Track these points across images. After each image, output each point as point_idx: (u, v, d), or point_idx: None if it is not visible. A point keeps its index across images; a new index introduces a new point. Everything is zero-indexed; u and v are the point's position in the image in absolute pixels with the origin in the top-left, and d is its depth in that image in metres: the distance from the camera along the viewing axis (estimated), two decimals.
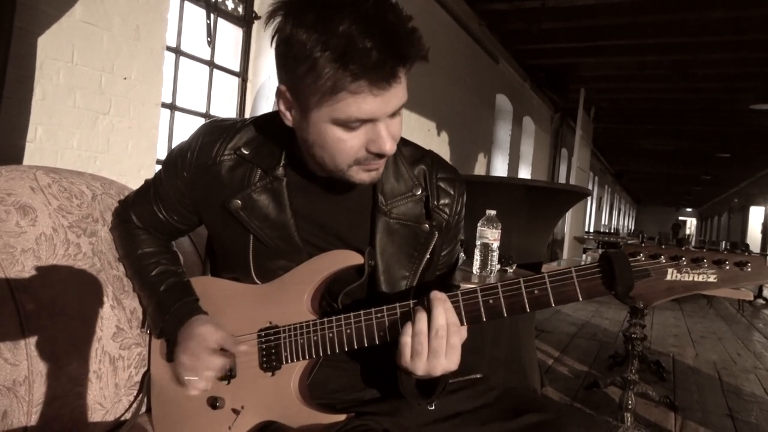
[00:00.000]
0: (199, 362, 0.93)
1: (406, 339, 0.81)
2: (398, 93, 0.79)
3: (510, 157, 8.26)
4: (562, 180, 11.07)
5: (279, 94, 0.84)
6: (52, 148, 2.21)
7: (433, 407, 0.92)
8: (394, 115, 0.82)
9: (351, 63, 0.72)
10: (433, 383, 0.87)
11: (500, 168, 8.20)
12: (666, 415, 2.93)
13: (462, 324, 0.82)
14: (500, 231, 2.01)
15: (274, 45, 0.81)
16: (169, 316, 0.99)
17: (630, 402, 2.59)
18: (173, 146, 3.17)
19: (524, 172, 9.25)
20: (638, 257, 0.76)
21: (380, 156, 0.83)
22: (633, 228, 33.18)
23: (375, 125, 0.81)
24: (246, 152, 0.96)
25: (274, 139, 0.96)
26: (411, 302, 0.85)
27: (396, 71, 0.76)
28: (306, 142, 0.86)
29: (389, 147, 0.81)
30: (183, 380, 0.95)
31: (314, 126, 0.82)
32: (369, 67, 0.73)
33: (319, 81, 0.75)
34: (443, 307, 0.80)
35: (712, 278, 0.73)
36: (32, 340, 0.92)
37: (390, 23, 0.74)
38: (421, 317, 0.80)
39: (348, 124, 0.80)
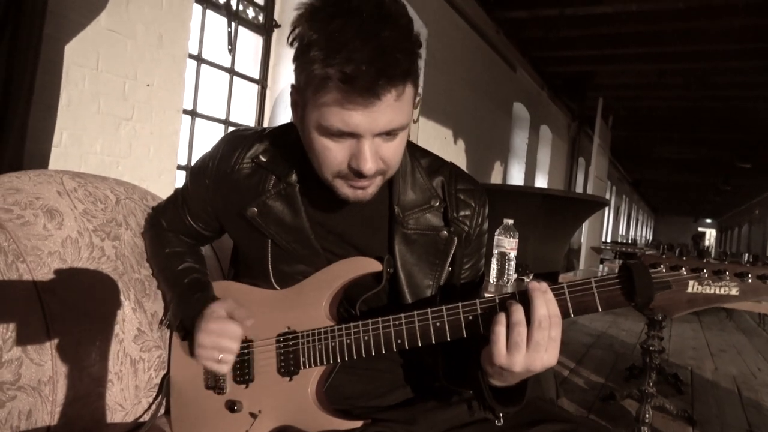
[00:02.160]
0: (221, 334, 0.90)
1: (500, 329, 0.77)
2: (387, 113, 0.77)
3: (526, 166, 8.22)
4: (579, 189, 10.98)
5: (291, 93, 0.86)
6: (77, 152, 2.26)
7: (501, 422, 0.88)
8: (388, 136, 0.81)
9: (332, 66, 0.72)
10: (507, 392, 0.84)
11: (517, 176, 8.16)
12: (683, 430, 2.89)
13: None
14: (517, 240, 2.00)
15: (290, 42, 0.81)
16: (188, 306, 1.00)
17: (647, 415, 2.56)
18: (194, 152, 3.22)
19: (541, 181, 9.19)
20: (659, 268, 0.75)
21: (359, 174, 0.81)
22: (651, 238, 32.77)
23: (359, 142, 0.79)
24: (263, 160, 0.97)
25: (290, 147, 0.97)
26: (429, 310, 0.85)
27: (376, 87, 0.73)
28: (305, 145, 0.87)
29: (366, 168, 0.79)
30: (210, 361, 0.92)
31: (306, 130, 0.83)
32: (349, 75, 0.72)
33: (309, 79, 0.76)
34: (544, 298, 0.76)
35: (734, 291, 0.72)
36: (57, 341, 0.94)
37: (385, 38, 0.73)
38: (517, 308, 0.77)
39: (331, 134, 0.79)
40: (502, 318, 0.77)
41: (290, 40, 0.80)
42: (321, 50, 0.73)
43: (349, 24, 0.73)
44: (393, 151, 0.83)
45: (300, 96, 0.83)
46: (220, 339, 0.91)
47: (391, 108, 0.77)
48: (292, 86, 0.85)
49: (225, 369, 0.93)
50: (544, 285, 0.78)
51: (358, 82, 0.72)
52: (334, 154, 0.81)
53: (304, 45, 0.76)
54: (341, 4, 0.75)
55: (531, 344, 0.76)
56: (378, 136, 0.80)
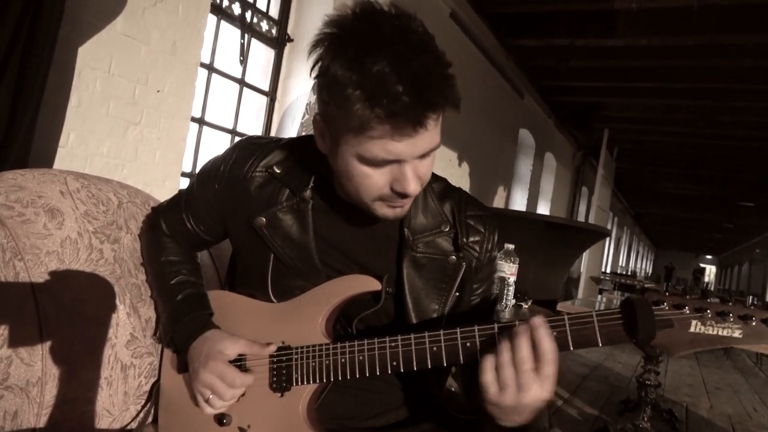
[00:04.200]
0: (225, 380, 0.91)
1: (488, 374, 0.78)
2: (426, 137, 0.79)
3: (530, 192, 8.23)
4: (581, 218, 10.98)
5: (315, 121, 0.86)
6: (83, 153, 2.26)
7: None
8: (424, 156, 0.82)
9: (378, 106, 0.72)
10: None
11: (519, 202, 8.17)
12: None
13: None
14: (517, 265, 2.00)
15: (313, 75, 0.82)
16: (180, 326, 0.99)
17: None
18: (199, 160, 3.22)
19: (543, 208, 9.19)
20: (661, 306, 0.74)
21: (403, 196, 0.83)
22: (651, 271, 32.68)
23: (401, 165, 0.81)
24: (277, 171, 0.97)
25: (306, 162, 0.97)
26: (426, 333, 0.84)
27: (423, 118, 0.75)
28: (336, 171, 0.87)
29: (412, 189, 0.81)
30: (200, 396, 0.93)
31: (342, 158, 0.83)
32: (395, 112, 0.73)
33: (348, 117, 0.76)
34: (526, 337, 0.76)
35: (737, 333, 0.71)
36: (49, 342, 0.93)
37: (423, 68, 0.74)
38: (505, 348, 0.77)
39: (373, 162, 0.80)
40: (490, 364, 0.77)
41: (316, 73, 0.81)
42: (361, 90, 0.73)
43: (384, 59, 0.73)
44: (428, 168, 0.85)
45: (331, 127, 0.82)
46: (216, 381, 0.91)
47: (430, 132, 0.79)
48: (319, 117, 0.85)
49: (209, 411, 0.93)
50: (524, 326, 0.77)
51: (405, 117, 0.74)
52: (375, 180, 0.82)
53: (337, 83, 0.75)
54: (371, 36, 0.75)
55: (518, 385, 0.76)
56: (418, 158, 0.81)
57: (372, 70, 0.72)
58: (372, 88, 0.72)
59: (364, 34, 0.75)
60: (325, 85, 0.79)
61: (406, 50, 0.73)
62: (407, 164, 0.80)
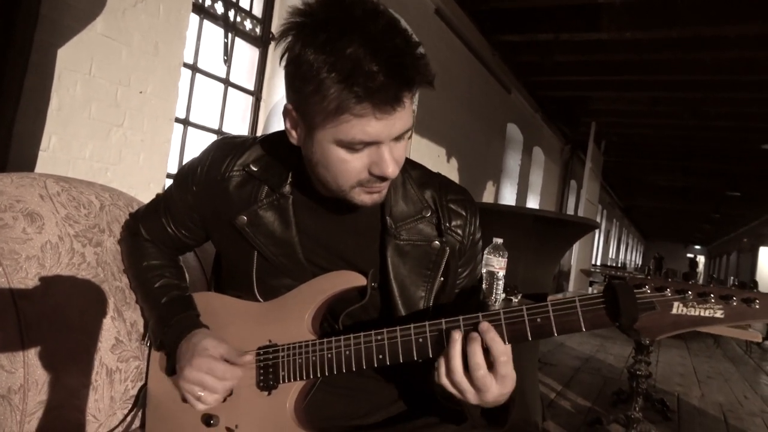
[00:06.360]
0: (216, 373, 0.90)
1: (443, 380, 0.80)
2: (403, 117, 0.79)
3: (519, 187, 8.26)
4: (570, 212, 11.04)
5: (286, 112, 0.85)
6: (65, 157, 2.24)
7: None
8: (399, 139, 0.82)
9: (356, 85, 0.72)
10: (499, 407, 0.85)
11: (509, 197, 8.19)
12: None
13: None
14: (506, 260, 2.00)
15: (283, 64, 0.81)
16: (168, 328, 0.98)
17: None
18: (184, 161, 3.19)
19: (533, 203, 9.23)
20: (643, 289, 0.74)
21: (382, 179, 0.83)
22: (640, 263, 32.95)
23: (378, 148, 0.81)
24: (254, 169, 0.96)
25: (283, 158, 0.96)
26: (412, 326, 0.84)
27: (400, 95, 0.76)
28: (310, 162, 0.86)
29: (391, 170, 0.81)
30: (190, 395, 0.92)
31: (318, 146, 0.82)
32: (373, 90, 0.73)
33: (324, 102, 0.75)
34: (478, 342, 0.78)
35: (718, 314, 0.71)
36: (31, 349, 0.91)
37: (397, 47, 0.75)
38: (455, 354, 0.79)
39: (351, 146, 0.80)
40: (441, 367, 0.80)
41: (285, 62, 0.80)
42: (337, 72, 0.73)
43: (357, 40, 0.73)
44: (403, 151, 0.85)
45: (305, 116, 0.81)
46: (206, 377, 0.90)
47: (405, 112, 0.79)
48: (291, 107, 0.84)
49: (202, 407, 0.92)
50: (482, 326, 0.79)
51: (383, 95, 0.74)
52: (353, 164, 0.82)
53: (311, 69, 0.75)
54: (341, 20, 0.75)
55: (475, 388, 0.78)
56: (393, 139, 0.82)
57: (346, 52, 0.72)
58: (348, 70, 0.72)
59: (333, 18, 0.75)
60: (296, 72, 0.78)
61: (377, 31, 0.74)
62: (384, 146, 0.80)
